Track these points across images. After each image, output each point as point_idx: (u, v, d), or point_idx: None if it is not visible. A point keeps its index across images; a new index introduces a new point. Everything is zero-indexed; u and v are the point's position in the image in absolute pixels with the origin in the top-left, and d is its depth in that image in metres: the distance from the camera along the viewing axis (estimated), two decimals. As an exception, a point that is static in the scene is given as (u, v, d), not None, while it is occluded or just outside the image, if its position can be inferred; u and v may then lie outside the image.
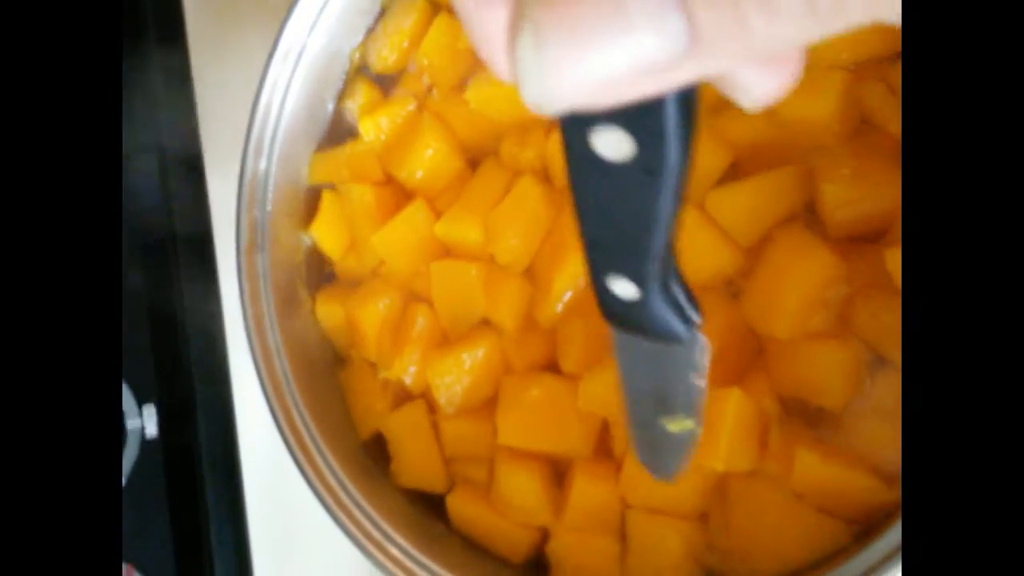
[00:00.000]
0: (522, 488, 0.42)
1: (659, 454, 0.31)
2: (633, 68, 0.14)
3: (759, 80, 0.18)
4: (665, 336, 0.24)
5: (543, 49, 0.13)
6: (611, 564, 0.41)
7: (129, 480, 0.52)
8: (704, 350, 0.26)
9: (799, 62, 0.18)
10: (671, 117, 0.17)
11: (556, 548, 0.43)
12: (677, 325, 0.24)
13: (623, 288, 0.23)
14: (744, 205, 0.39)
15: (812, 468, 0.36)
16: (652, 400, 0.29)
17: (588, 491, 0.41)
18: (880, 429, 0.36)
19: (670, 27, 0.13)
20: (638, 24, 0.13)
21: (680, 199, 0.20)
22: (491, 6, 0.16)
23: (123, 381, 0.53)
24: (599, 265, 0.23)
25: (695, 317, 0.24)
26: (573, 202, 0.21)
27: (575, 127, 0.18)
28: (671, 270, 0.23)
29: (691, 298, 0.24)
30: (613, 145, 0.18)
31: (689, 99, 0.17)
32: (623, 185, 0.20)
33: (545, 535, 0.44)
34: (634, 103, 0.16)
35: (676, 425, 0.29)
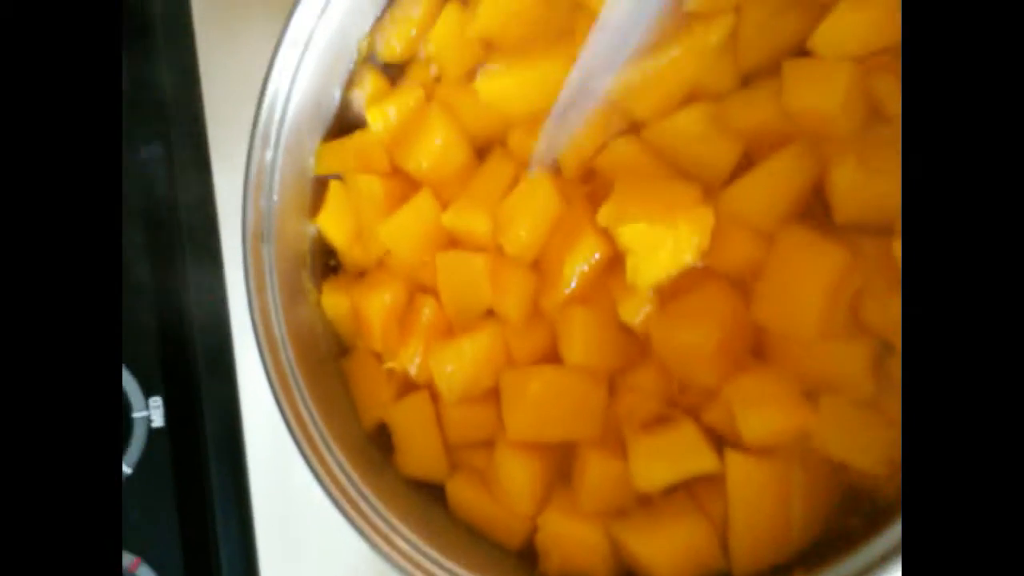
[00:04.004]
0: (518, 475, 0.43)
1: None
2: None
3: None
4: None
5: None
6: (599, 556, 0.41)
7: (135, 470, 0.52)
8: None
9: None
10: None
11: (544, 538, 0.43)
12: None
13: None
14: (758, 198, 0.39)
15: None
16: None
17: (600, 469, 0.41)
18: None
19: None
20: None
21: None
22: None
23: (130, 372, 0.53)
24: None
25: None
26: None
27: None
28: None
29: None
30: None
31: None
32: None
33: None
34: None
35: None
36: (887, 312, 0.35)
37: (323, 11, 0.48)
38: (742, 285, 0.40)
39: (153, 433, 0.52)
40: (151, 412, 0.52)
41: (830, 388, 0.37)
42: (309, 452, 0.45)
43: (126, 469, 0.52)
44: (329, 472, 0.45)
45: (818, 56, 0.38)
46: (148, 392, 0.53)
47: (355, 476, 0.45)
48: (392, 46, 0.50)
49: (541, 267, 0.45)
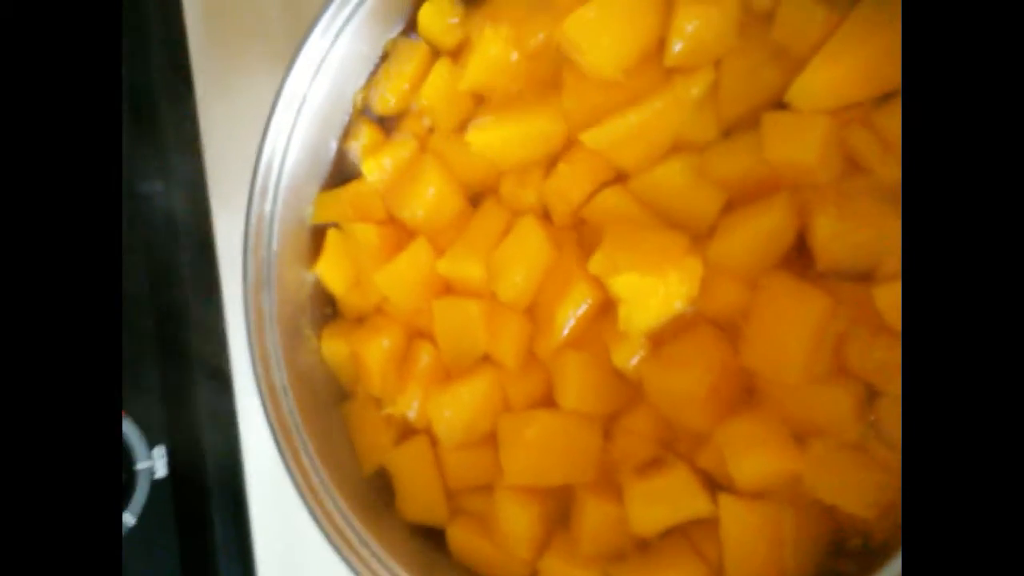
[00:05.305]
0: (517, 519, 0.43)
1: None
2: None
3: None
4: None
5: None
6: None
7: (139, 520, 0.52)
8: None
9: None
10: None
11: None
12: None
13: None
14: (744, 248, 0.40)
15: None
16: None
17: (598, 514, 0.42)
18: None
19: None
20: None
21: None
22: None
23: (133, 423, 0.53)
24: None
25: None
26: None
27: None
28: None
29: None
30: None
31: None
32: None
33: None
34: None
35: None
36: (870, 356, 0.36)
37: (319, 68, 0.49)
38: (731, 331, 0.40)
39: (156, 484, 0.52)
40: (155, 463, 0.53)
41: (818, 431, 0.38)
42: (310, 498, 0.46)
43: (130, 520, 0.52)
44: (330, 518, 0.46)
45: (795, 109, 0.40)
46: (151, 443, 0.53)
47: (356, 522, 0.46)
48: (386, 100, 0.51)
49: (535, 313, 0.45)
